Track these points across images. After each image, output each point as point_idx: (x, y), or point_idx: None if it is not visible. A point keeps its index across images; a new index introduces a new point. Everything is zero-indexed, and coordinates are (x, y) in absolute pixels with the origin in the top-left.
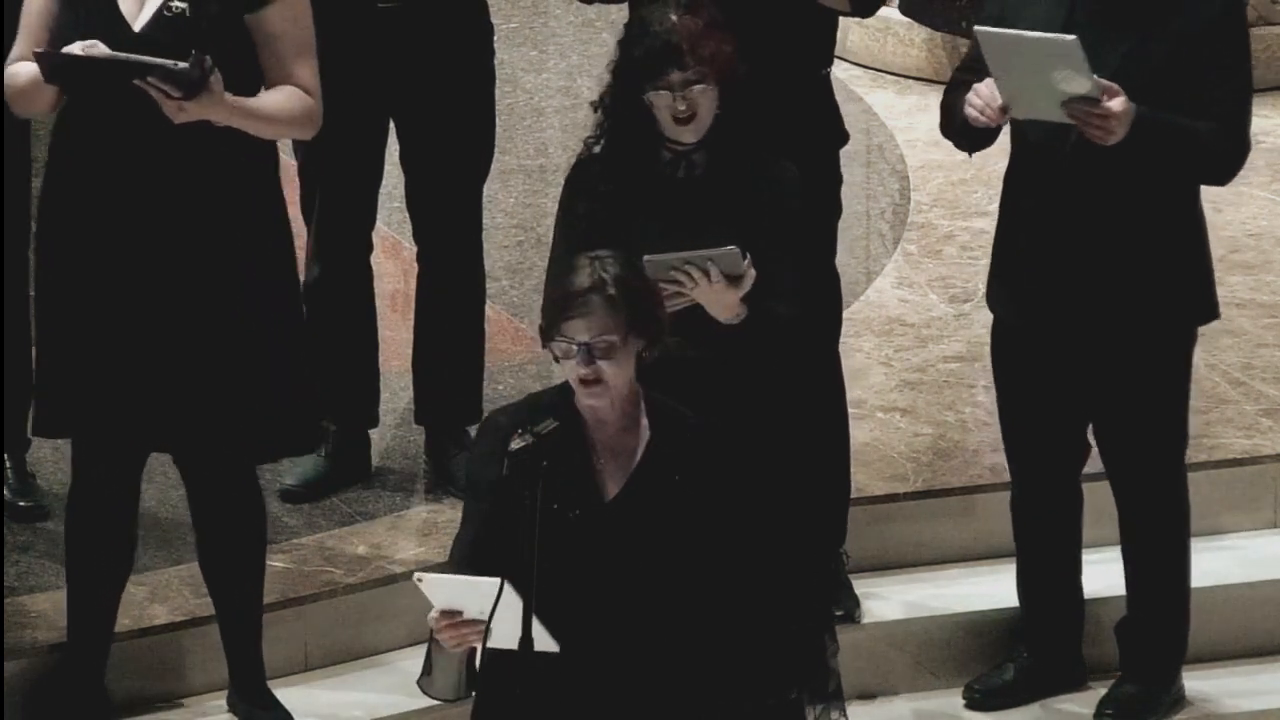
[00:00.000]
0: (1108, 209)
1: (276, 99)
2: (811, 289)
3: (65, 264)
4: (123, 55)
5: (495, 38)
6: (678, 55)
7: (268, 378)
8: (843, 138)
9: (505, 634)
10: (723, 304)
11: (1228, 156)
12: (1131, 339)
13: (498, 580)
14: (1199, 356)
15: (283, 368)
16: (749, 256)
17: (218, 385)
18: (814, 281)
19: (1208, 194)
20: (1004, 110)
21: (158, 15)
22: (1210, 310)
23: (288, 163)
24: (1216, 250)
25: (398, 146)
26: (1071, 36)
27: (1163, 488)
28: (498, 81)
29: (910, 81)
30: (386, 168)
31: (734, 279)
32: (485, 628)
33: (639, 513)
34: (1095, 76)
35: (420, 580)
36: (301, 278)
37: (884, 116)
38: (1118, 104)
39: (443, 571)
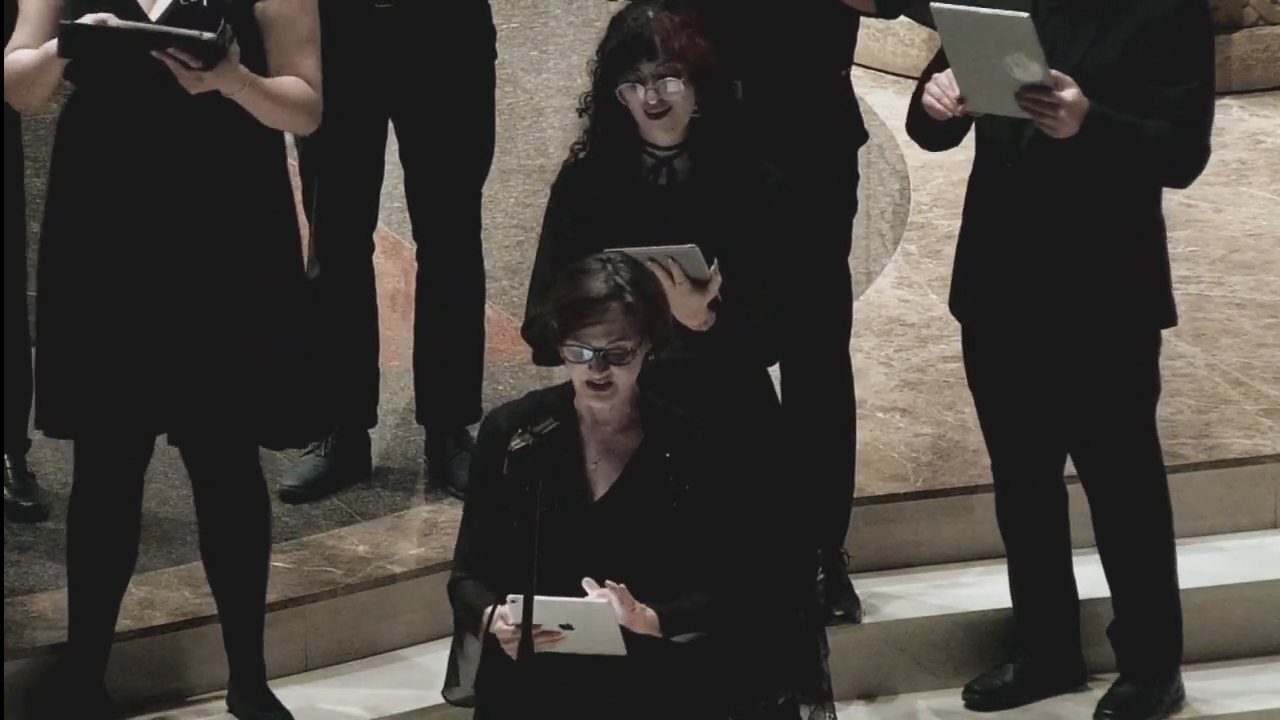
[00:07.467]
0: (1064, 211)
1: (284, 82)
2: (820, 287)
3: (74, 259)
4: (147, 25)
5: (496, 39)
6: (648, 46)
7: (272, 364)
8: (862, 136)
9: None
10: (689, 309)
11: (1184, 159)
12: (1090, 342)
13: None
14: (1199, 356)
15: (288, 356)
16: (715, 261)
17: (223, 370)
18: (824, 279)
19: (1208, 194)
20: (960, 101)
21: (174, 4)
22: (1167, 315)
23: (289, 163)
24: (1216, 250)
25: (398, 145)
26: (1024, 14)
27: (1137, 490)
28: (498, 82)
29: (910, 81)
30: (387, 167)
31: (699, 283)
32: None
33: (623, 513)
34: (1047, 65)
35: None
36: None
37: (884, 116)
38: (1069, 94)
39: (463, 570)
